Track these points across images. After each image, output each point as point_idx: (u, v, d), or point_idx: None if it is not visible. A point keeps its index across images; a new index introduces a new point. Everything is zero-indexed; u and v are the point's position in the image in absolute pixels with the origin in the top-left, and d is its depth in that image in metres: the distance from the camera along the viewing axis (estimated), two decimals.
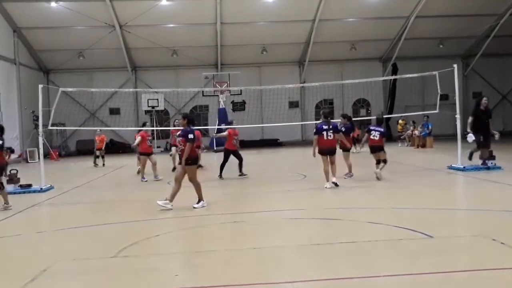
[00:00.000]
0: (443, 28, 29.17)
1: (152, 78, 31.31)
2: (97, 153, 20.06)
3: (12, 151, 18.57)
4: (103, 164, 19.91)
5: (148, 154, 14.32)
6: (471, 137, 13.22)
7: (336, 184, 11.19)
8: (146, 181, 13.87)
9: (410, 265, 5.25)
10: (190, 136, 9.00)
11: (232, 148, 13.85)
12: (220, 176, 13.68)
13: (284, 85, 22.34)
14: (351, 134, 13.30)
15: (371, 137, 12.69)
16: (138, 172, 14.87)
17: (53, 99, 14.76)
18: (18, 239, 7.50)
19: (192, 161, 9.10)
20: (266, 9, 26.85)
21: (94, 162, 19.95)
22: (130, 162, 22.58)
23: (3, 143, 10.12)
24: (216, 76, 30.25)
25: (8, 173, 12.22)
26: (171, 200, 9.10)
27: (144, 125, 15.54)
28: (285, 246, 6.23)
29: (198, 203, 9.23)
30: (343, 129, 12.96)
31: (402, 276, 4.91)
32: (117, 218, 8.65)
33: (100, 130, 21.40)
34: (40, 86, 13.37)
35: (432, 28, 29.16)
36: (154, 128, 29.00)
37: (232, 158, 13.79)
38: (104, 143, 20.60)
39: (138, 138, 14.30)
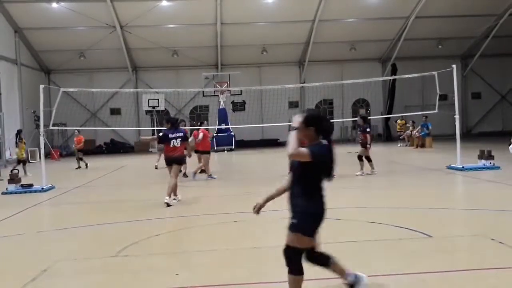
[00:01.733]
0: (442, 28, 29.21)
1: (153, 79, 31.36)
2: (79, 154, 19.27)
3: (20, 130, 18.69)
4: (79, 167, 19.10)
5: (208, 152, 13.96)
6: None
7: None
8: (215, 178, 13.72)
9: (409, 265, 5.28)
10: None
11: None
12: None
13: (284, 85, 22.36)
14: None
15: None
16: (201, 171, 14.23)
17: (54, 99, 14.78)
18: (19, 239, 7.53)
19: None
20: (266, 9, 26.89)
21: (80, 165, 19.26)
22: (130, 162, 22.64)
23: None
24: (216, 77, 30.30)
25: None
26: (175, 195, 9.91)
27: (202, 123, 15.06)
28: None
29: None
30: (367, 129, 13.42)
31: (401, 275, 4.94)
32: (118, 218, 8.67)
33: (79, 131, 20.41)
34: (42, 86, 13.41)
35: (431, 28, 29.20)
36: (155, 128, 29.04)
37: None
38: (82, 144, 19.53)
39: (201, 135, 13.79)
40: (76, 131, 20.48)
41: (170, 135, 9.77)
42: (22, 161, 17.12)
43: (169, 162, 9.78)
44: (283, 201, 10.41)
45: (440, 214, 8.02)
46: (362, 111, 29.66)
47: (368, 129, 13.60)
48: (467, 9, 27.53)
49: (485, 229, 6.70)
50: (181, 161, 10.11)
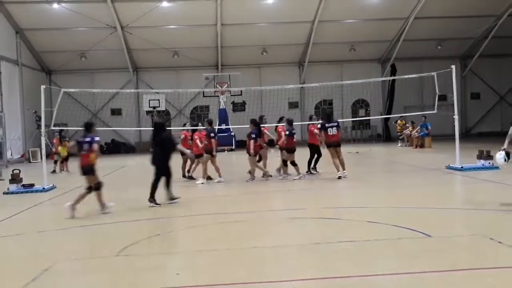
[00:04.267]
0: (442, 29, 29.20)
1: (153, 79, 31.37)
2: (55, 157, 17.97)
3: (61, 130, 18.80)
4: (61, 170, 17.91)
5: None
6: (501, 157, 8.53)
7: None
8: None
9: (408, 264, 5.31)
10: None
11: (316, 143, 13.79)
12: (309, 171, 13.63)
13: (284, 85, 22.36)
14: (258, 140, 12.98)
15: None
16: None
17: (55, 99, 14.81)
18: (20, 239, 7.55)
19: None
20: (266, 10, 26.91)
21: (55, 169, 17.78)
22: (131, 162, 22.67)
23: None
24: (217, 77, 30.30)
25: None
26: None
27: (281, 119, 14.78)
28: (285, 246, 6.28)
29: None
30: (253, 135, 12.84)
31: (400, 275, 4.96)
32: (118, 218, 8.69)
33: (59, 132, 18.54)
34: (43, 87, 13.44)
35: (430, 29, 29.20)
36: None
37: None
38: (65, 147, 18.17)
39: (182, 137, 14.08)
40: (56, 133, 18.19)
41: (327, 125, 12.75)
42: (64, 159, 17.81)
43: (330, 146, 12.70)
44: (284, 201, 10.47)
45: (439, 214, 8.05)
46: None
47: (293, 132, 13.15)
48: (467, 9, 27.53)
49: (484, 228, 6.72)
50: (339, 145, 12.76)
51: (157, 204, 9.69)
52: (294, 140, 13.15)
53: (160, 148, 9.96)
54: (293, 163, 13.03)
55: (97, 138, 9.24)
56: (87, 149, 9.11)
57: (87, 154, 9.11)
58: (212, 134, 13.04)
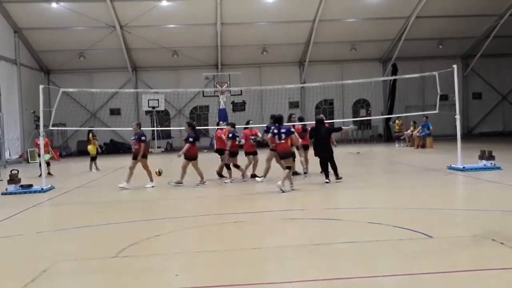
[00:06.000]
0: (443, 28, 29.20)
1: (153, 79, 31.36)
2: (47, 156, 16.41)
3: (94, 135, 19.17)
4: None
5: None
6: None
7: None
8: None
9: (409, 265, 5.27)
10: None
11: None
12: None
13: (284, 85, 22.31)
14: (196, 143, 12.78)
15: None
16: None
17: (53, 99, 14.76)
18: (18, 239, 7.51)
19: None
20: (266, 9, 26.89)
21: (50, 171, 16.77)
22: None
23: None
24: (217, 77, 30.28)
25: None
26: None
27: (248, 123, 14.59)
28: (285, 246, 6.24)
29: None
30: (190, 139, 12.60)
31: (401, 276, 4.93)
32: (117, 219, 8.67)
33: (46, 132, 17.46)
34: (41, 86, 13.40)
35: (432, 28, 29.20)
36: (155, 129, 29.06)
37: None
38: (49, 147, 17.57)
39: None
40: (44, 132, 15.70)
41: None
42: (93, 157, 18.22)
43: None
44: (284, 203, 10.43)
45: (441, 214, 8.00)
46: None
47: (236, 135, 13.06)
48: (468, 9, 27.52)
49: (485, 229, 6.67)
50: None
51: (340, 178, 11.85)
52: (237, 143, 13.17)
53: (323, 140, 11.98)
54: (236, 166, 13.22)
55: (292, 129, 11.25)
56: (284, 138, 10.98)
57: (285, 142, 10.98)
58: (190, 139, 12.70)
